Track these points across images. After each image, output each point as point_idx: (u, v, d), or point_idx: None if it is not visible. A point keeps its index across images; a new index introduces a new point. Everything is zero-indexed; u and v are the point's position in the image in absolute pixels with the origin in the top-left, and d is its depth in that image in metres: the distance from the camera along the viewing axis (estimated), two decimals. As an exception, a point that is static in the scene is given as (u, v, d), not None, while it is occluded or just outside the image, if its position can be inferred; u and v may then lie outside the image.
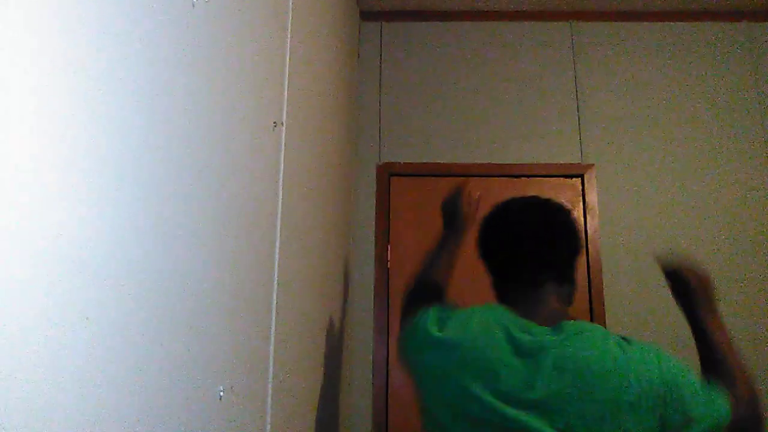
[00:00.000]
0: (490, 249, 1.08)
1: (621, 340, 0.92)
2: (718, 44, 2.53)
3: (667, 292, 2.30)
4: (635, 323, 2.28)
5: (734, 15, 2.54)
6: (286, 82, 1.16)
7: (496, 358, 0.91)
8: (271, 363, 1.03)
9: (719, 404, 0.92)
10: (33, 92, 0.40)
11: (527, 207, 1.08)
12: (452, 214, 1.39)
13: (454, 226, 1.36)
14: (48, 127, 0.42)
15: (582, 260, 2.35)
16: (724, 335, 1.04)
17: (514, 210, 1.08)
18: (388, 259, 2.38)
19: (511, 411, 0.88)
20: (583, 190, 2.42)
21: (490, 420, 0.90)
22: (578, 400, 0.87)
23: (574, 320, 0.96)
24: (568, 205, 1.13)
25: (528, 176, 2.45)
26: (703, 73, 2.51)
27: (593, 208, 2.38)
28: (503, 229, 1.06)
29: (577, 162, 2.44)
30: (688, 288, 1.11)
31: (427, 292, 1.21)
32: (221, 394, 0.77)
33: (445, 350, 0.96)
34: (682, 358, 0.98)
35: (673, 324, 2.28)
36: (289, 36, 1.18)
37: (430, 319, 1.03)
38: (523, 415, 0.88)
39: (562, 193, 2.42)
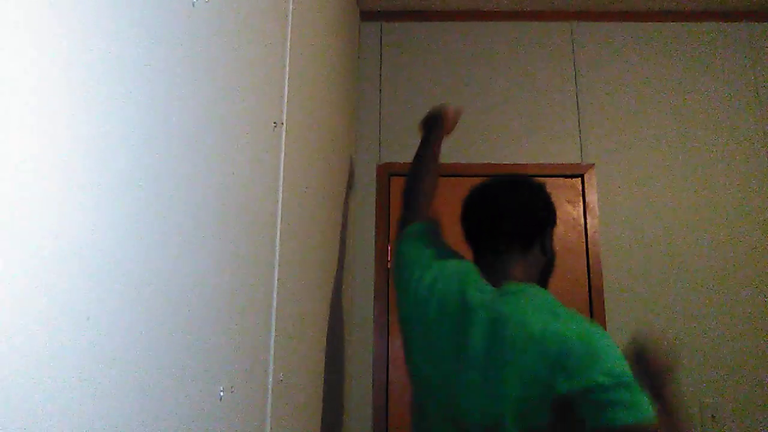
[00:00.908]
0: (465, 219, 1.21)
1: (556, 307, 0.99)
2: (718, 44, 2.53)
3: (667, 292, 2.30)
4: (635, 323, 2.28)
5: (734, 15, 2.54)
6: (286, 82, 1.16)
7: (448, 306, 1.09)
8: (271, 363, 1.03)
9: (643, 398, 0.88)
10: (33, 92, 0.40)
11: (502, 183, 1.18)
12: (433, 118, 1.62)
13: (434, 128, 1.60)
14: (48, 127, 0.42)
15: (581, 259, 2.35)
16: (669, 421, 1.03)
17: (490, 185, 1.19)
18: (388, 259, 2.38)
19: (446, 365, 1.04)
20: (583, 190, 2.42)
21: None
22: (505, 356, 0.96)
23: (523, 283, 1.07)
24: (543, 183, 1.22)
25: (528, 176, 2.44)
26: (703, 74, 2.51)
27: (593, 208, 2.38)
28: (476, 201, 1.19)
29: (577, 162, 2.44)
30: (647, 370, 1.10)
31: (414, 198, 1.44)
32: (221, 394, 0.77)
33: (420, 297, 1.16)
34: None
35: (674, 324, 2.28)
36: (289, 36, 1.18)
37: (419, 260, 1.23)
38: (455, 366, 1.02)
39: (562, 193, 2.42)
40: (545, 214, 1.16)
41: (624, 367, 0.89)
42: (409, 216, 1.40)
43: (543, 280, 1.17)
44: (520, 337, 0.95)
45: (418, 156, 1.55)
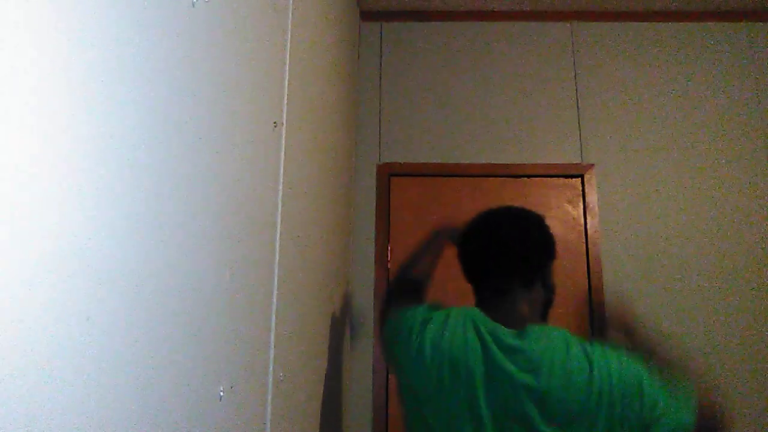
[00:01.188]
0: (465, 257, 1.16)
1: (583, 342, 0.99)
2: (718, 44, 2.53)
3: (667, 292, 2.30)
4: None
5: (734, 15, 2.54)
6: (286, 82, 1.16)
7: (469, 357, 1.00)
8: (271, 363, 1.03)
9: (683, 401, 0.95)
10: (33, 92, 0.40)
11: (499, 217, 1.14)
12: (447, 229, 1.49)
13: (443, 233, 1.47)
14: (48, 127, 0.42)
15: (581, 259, 2.35)
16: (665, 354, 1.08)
17: (487, 220, 1.15)
18: (388, 259, 2.38)
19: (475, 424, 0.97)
20: (583, 190, 2.42)
21: (467, 412, 0.99)
22: (551, 396, 0.94)
23: (539, 325, 1.03)
24: (541, 215, 1.18)
25: (528, 176, 2.44)
26: (703, 73, 2.51)
27: (593, 208, 2.38)
28: (475, 238, 1.14)
29: (577, 162, 2.44)
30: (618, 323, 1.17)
31: (407, 289, 1.30)
32: (221, 394, 0.77)
33: (426, 354, 1.05)
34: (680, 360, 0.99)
35: (674, 324, 2.28)
36: (289, 36, 1.18)
37: (416, 318, 1.11)
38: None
39: (562, 193, 2.42)
40: (546, 248, 1.12)
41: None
42: (395, 304, 1.26)
43: (545, 312, 1.14)
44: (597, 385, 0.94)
45: (420, 254, 1.44)
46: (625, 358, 0.97)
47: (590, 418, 0.93)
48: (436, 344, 1.04)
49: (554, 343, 0.98)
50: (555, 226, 2.35)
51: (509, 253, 1.09)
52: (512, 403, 0.96)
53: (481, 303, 1.14)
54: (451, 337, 1.03)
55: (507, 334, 1.01)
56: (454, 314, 1.08)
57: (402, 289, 1.33)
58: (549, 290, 1.14)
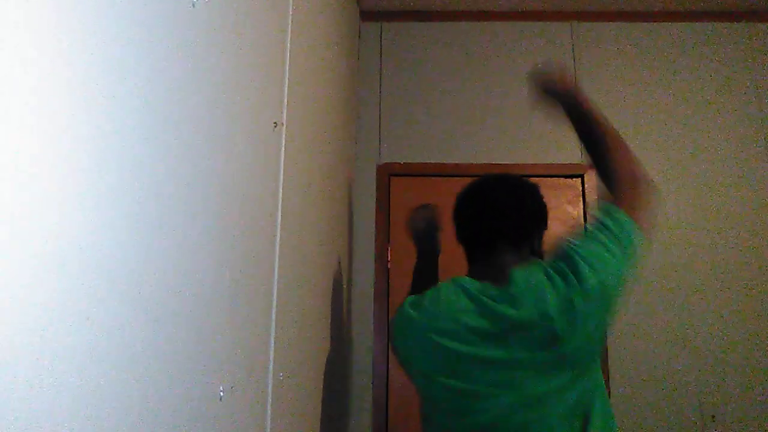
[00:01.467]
0: (458, 218, 1.21)
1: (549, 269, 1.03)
2: (718, 44, 2.53)
3: (666, 292, 2.30)
4: (635, 322, 2.28)
5: (734, 15, 2.54)
6: (286, 82, 1.16)
7: (460, 316, 1.04)
8: (271, 363, 1.03)
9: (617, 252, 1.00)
10: (33, 92, 0.40)
11: (495, 182, 1.19)
12: (423, 237, 1.56)
13: (426, 248, 1.54)
14: (48, 127, 0.42)
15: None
16: (598, 111, 1.19)
17: (483, 184, 1.20)
18: (388, 259, 2.38)
19: (477, 349, 1.01)
20: (583, 190, 2.42)
21: (461, 380, 1.03)
22: (555, 324, 0.97)
23: (520, 269, 1.06)
24: (536, 184, 1.22)
25: (528, 176, 2.44)
26: (703, 73, 2.51)
27: (593, 208, 2.38)
28: (467, 197, 1.19)
29: (577, 162, 2.44)
30: (556, 88, 1.26)
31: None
32: (221, 394, 0.77)
33: (423, 325, 1.08)
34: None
35: (674, 324, 2.28)
36: (289, 36, 1.18)
37: (406, 305, 1.14)
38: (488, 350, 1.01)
39: (562, 193, 2.42)
40: (537, 215, 1.17)
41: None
42: None
43: None
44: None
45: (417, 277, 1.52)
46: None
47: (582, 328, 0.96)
48: (433, 316, 1.06)
49: (536, 276, 1.02)
50: (555, 226, 2.35)
51: (500, 215, 1.13)
52: (520, 342, 0.99)
53: (470, 263, 1.18)
54: (446, 305, 1.06)
55: (496, 289, 1.05)
56: (443, 287, 1.11)
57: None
58: (538, 257, 1.17)
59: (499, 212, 1.13)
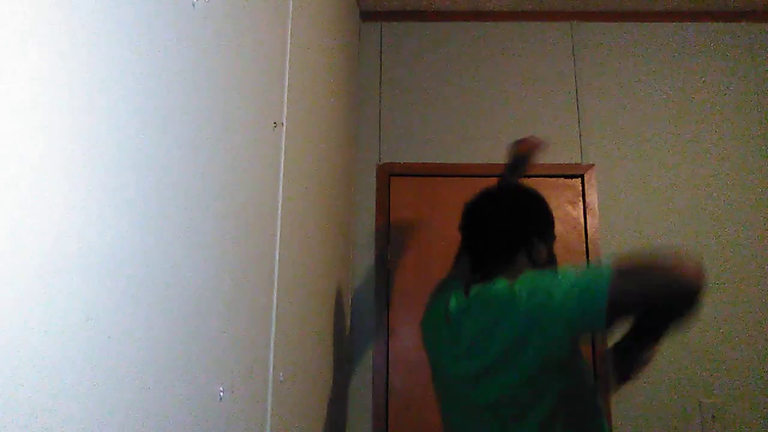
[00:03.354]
0: (460, 224, 1.26)
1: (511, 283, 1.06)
2: (718, 44, 2.53)
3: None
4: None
5: (734, 15, 2.54)
6: (286, 82, 1.16)
7: (437, 332, 1.18)
8: (271, 363, 1.03)
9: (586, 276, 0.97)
10: (33, 92, 0.40)
11: (499, 191, 1.23)
12: (519, 159, 1.71)
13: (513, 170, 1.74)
14: (48, 128, 0.42)
15: (581, 259, 2.35)
16: None
17: (488, 192, 1.23)
18: (388, 259, 2.38)
19: (450, 369, 1.11)
20: (583, 190, 2.42)
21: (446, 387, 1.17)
22: (490, 334, 1.02)
23: (481, 284, 1.11)
24: (542, 197, 1.23)
25: (528, 176, 2.44)
26: (703, 73, 2.51)
27: (593, 208, 2.38)
28: (470, 207, 1.23)
29: (577, 162, 2.44)
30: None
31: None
32: (221, 394, 0.77)
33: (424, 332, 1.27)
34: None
35: (673, 324, 2.27)
36: (289, 36, 1.18)
37: (437, 287, 1.31)
38: (456, 367, 1.10)
39: (562, 193, 2.42)
40: (533, 221, 1.18)
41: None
42: None
43: None
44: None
45: None
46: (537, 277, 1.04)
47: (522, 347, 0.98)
48: (437, 315, 1.20)
49: (489, 288, 1.08)
50: (555, 226, 2.35)
51: (494, 219, 1.18)
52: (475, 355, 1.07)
53: (473, 268, 1.23)
54: (440, 303, 1.20)
55: (462, 298, 1.14)
56: (443, 285, 1.26)
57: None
58: (538, 267, 1.17)
59: (493, 218, 1.18)
